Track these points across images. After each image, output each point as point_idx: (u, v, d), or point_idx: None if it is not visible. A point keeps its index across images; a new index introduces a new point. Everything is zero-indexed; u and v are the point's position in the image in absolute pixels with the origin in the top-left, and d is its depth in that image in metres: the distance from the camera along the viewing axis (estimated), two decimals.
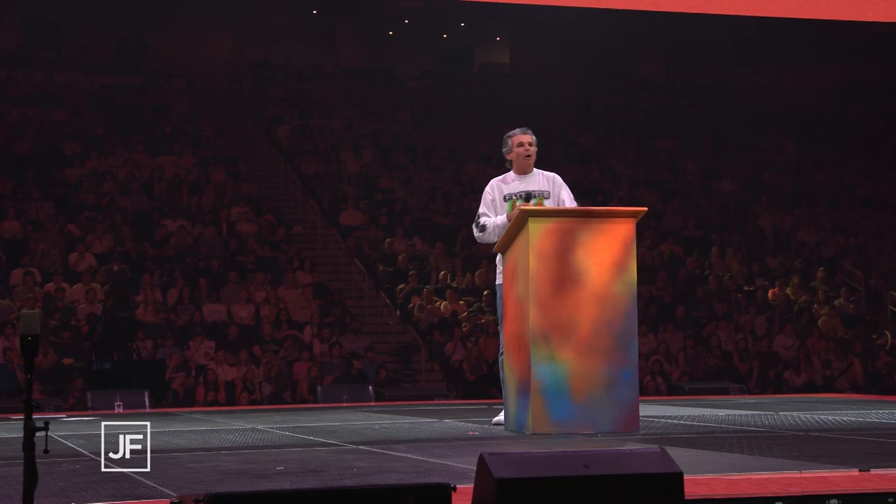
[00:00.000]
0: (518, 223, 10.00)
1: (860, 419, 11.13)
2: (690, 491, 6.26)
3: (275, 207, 26.72)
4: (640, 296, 24.06)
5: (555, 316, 9.81)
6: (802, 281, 25.66)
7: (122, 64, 32.13)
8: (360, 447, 8.87)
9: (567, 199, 10.68)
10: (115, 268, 20.91)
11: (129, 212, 25.04)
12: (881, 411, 12.10)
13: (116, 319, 19.55)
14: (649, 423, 10.75)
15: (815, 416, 11.54)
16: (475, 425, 11.04)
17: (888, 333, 23.71)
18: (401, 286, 24.03)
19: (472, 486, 5.51)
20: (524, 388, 9.86)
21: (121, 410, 14.46)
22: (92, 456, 8.44)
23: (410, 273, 24.08)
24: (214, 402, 19.72)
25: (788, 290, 25.30)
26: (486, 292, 22.94)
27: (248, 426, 11.25)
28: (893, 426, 10.32)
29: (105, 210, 24.86)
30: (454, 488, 5.25)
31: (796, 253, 27.46)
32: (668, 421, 11.15)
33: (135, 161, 27.04)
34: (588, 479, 5.44)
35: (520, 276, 10.04)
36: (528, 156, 10.75)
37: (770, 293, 25.22)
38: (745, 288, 25.48)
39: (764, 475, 6.82)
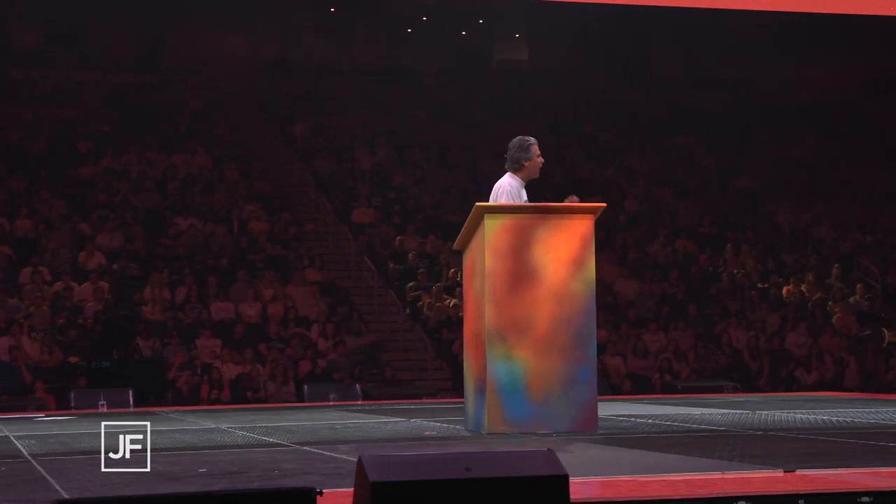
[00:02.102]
0: (474, 220, 9.89)
1: (834, 418, 10.97)
2: (598, 493, 6.18)
3: (287, 205, 26.64)
4: (652, 294, 24.27)
5: (511, 314, 9.71)
6: (818, 278, 25.40)
7: (139, 63, 32.15)
8: (304, 448, 8.81)
9: None
10: (115, 266, 20.88)
11: (140, 210, 25.03)
12: (859, 410, 11.93)
13: (116, 318, 19.55)
14: (615, 423, 10.63)
15: (790, 414, 11.40)
16: (442, 425, 10.95)
17: (885, 331, 23.44)
18: (410, 284, 23.92)
19: None
20: (481, 387, 9.77)
21: (105, 410, 14.40)
22: (28, 458, 8.39)
23: (420, 271, 23.97)
24: (217, 401, 19.66)
25: (803, 288, 25.04)
26: None
27: (214, 426, 11.20)
28: (855, 426, 10.16)
29: (117, 208, 24.84)
30: (320, 493, 5.16)
31: (812, 250, 27.17)
32: (636, 420, 11.01)
33: (148, 159, 27.04)
34: (469, 481, 5.33)
35: (477, 274, 9.95)
36: (540, 168, 10.43)
37: (784, 290, 24.96)
38: (759, 285, 25.24)
39: (682, 476, 6.70)
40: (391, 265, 24.59)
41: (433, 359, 22.36)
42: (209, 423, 11.54)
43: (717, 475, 6.76)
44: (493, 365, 9.65)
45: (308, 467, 7.50)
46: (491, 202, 10.11)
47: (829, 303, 24.65)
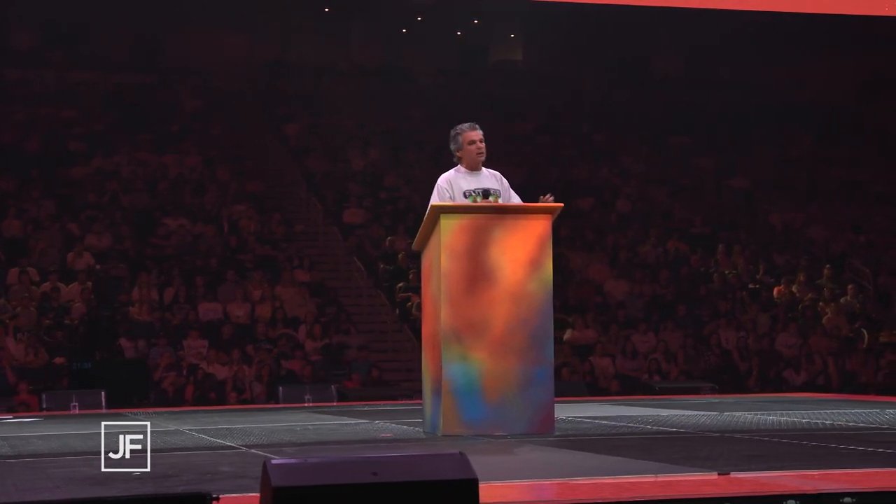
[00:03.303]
0: (431, 220, 9.82)
1: (798, 420, 10.88)
2: (520, 496, 6.12)
3: (278, 206, 26.56)
4: (642, 294, 24.15)
5: (467, 315, 9.64)
6: (809, 278, 25.27)
7: (137, 63, 32.11)
8: (252, 450, 8.72)
9: (516, 200, 10.31)
10: (98, 267, 20.81)
11: (130, 210, 24.95)
12: (830, 412, 11.84)
13: (100, 319, 19.49)
14: (575, 425, 10.55)
15: (756, 416, 11.31)
16: (404, 427, 10.87)
17: (864, 332, 23.34)
18: (400, 284, 23.85)
19: None
20: (437, 389, 9.71)
21: (77, 411, 14.33)
22: None
23: (410, 271, 23.90)
24: (201, 402, 19.56)
25: (794, 288, 24.93)
26: None
27: (175, 428, 11.12)
28: (812, 428, 10.07)
29: (106, 209, 24.77)
30: (216, 497, 5.09)
31: (804, 250, 27.02)
32: (597, 422, 10.92)
33: (139, 159, 26.97)
34: (375, 486, 5.25)
35: (433, 275, 9.89)
36: (480, 153, 10.11)
37: (775, 291, 24.85)
38: (750, 286, 25.12)
39: (612, 479, 6.63)
40: (381, 266, 24.51)
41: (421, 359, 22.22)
42: (171, 426, 11.46)
43: (649, 478, 6.69)
44: (448, 366, 9.58)
45: (243, 470, 7.42)
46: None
47: (820, 303, 24.54)
